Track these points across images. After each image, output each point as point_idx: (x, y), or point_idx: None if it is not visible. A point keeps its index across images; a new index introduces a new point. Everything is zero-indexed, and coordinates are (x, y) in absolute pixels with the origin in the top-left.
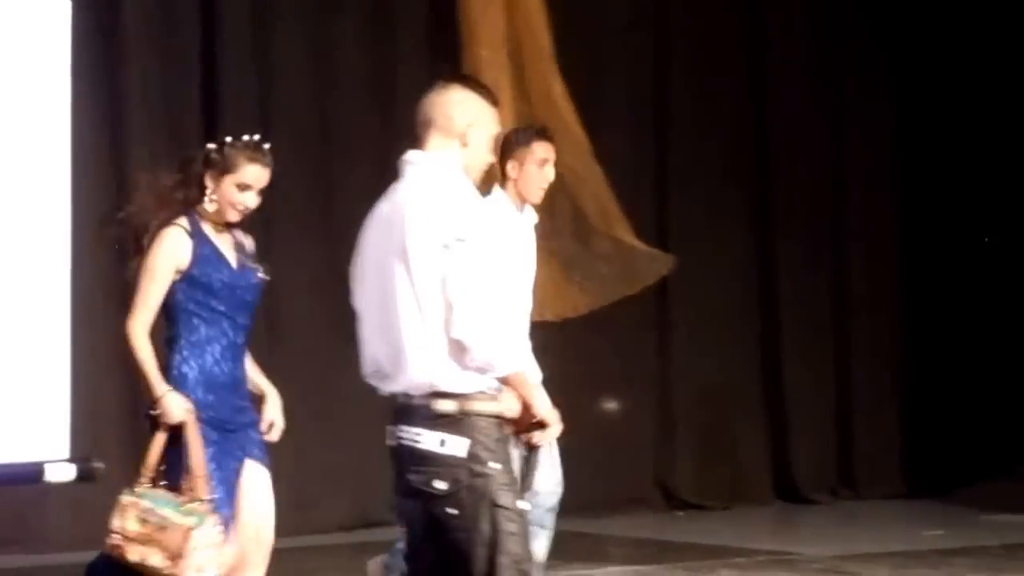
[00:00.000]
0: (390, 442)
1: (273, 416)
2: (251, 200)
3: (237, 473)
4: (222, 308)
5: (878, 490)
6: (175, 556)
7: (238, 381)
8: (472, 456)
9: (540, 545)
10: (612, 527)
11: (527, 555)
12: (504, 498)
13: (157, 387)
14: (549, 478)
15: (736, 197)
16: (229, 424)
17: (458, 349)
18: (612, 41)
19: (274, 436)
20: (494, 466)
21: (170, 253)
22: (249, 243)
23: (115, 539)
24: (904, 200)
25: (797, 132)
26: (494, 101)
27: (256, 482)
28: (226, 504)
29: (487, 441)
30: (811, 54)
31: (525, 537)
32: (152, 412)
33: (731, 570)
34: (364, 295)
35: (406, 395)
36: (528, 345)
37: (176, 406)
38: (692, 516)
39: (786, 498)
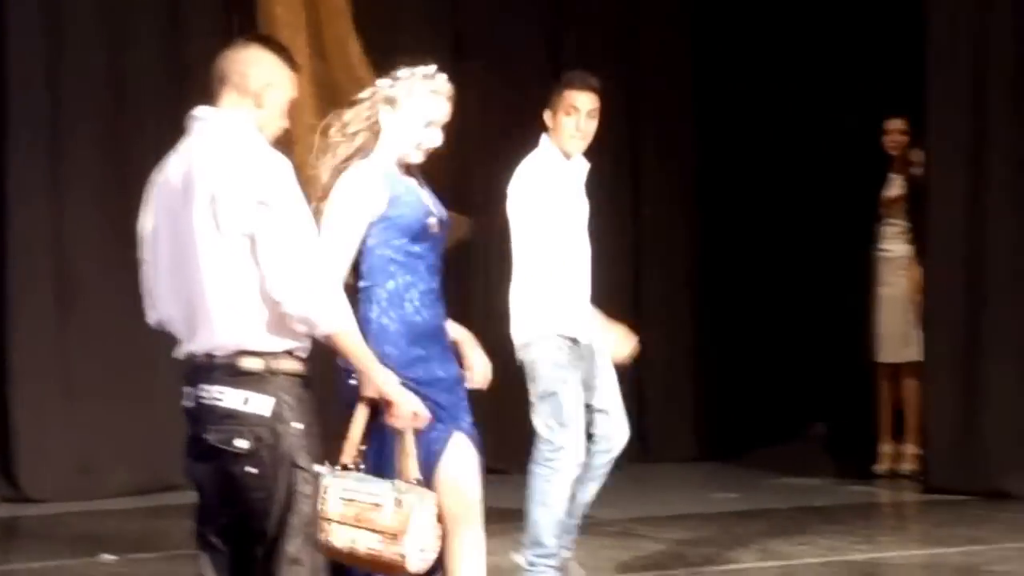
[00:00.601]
0: (187, 403)
1: (477, 361)
2: (435, 138)
3: (441, 450)
4: (418, 251)
5: (670, 453)
6: (394, 535)
7: (440, 329)
8: (276, 415)
9: (595, 488)
10: None
11: (316, 518)
12: (303, 459)
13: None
14: (621, 428)
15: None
16: (436, 385)
17: (278, 308)
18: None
19: (482, 382)
20: (296, 426)
21: (361, 197)
22: (424, 181)
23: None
24: (698, 169)
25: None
26: (294, 65)
27: (462, 453)
28: (426, 478)
29: (291, 400)
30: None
31: (316, 500)
32: (352, 382)
33: (521, 533)
34: (155, 253)
35: (208, 355)
36: (587, 304)
37: (384, 378)
38: (487, 480)
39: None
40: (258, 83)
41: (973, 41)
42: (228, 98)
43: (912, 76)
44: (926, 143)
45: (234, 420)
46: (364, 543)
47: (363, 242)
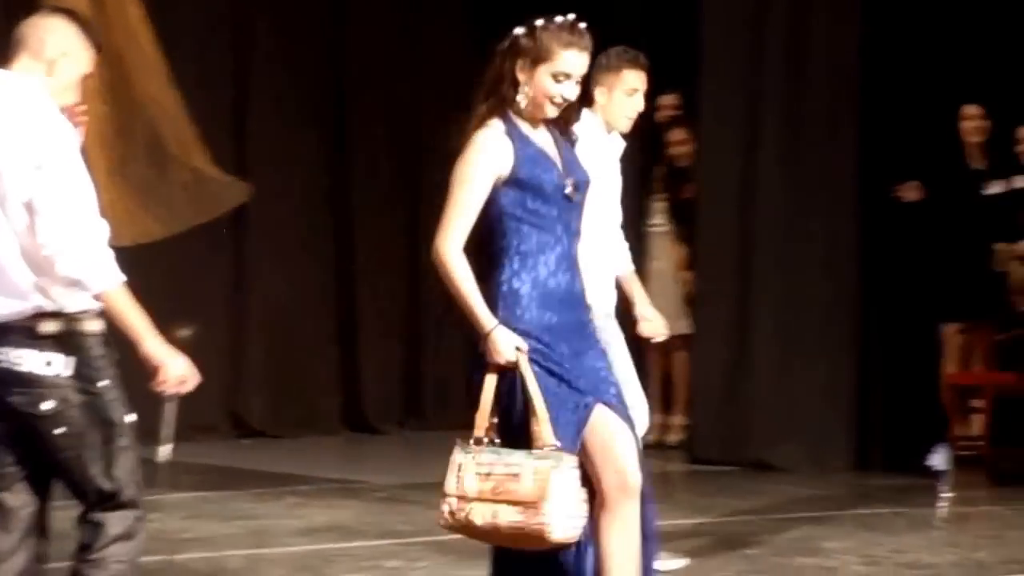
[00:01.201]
0: None
1: (647, 313)
2: (570, 91)
3: (583, 420)
4: (554, 213)
5: (445, 421)
6: (534, 503)
7: (577, 296)
8: (80, 375)
9: None
10: (181, 454)
11: (139, 466)
12: (115, 414)
13: (485, 321)
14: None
15: (314, 125)
16: (571, 356)
17: (49, 266)
18: None
19: (652, 333)
20: (103, 384)
21: (488, 157)
22: (574, 136)
23: (451, 505)
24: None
25: (375, 62)
26: (95, 43)
27: (606, 424)
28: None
29: (94, 359)
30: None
31: (136, 450)
32: (480, 352)
33: (297, 497)
34: None
35: (6, 318)
36: (607, 272)
37: (506, 342)
38: (261, 444)
39: (355, 428)
40: (54, 51)
41: (748, 22)
42: (21, 62)
43: (687, 53)
44: (698, 119)
45: (37, 384)
46: (505, 517)
47: (493, 203)
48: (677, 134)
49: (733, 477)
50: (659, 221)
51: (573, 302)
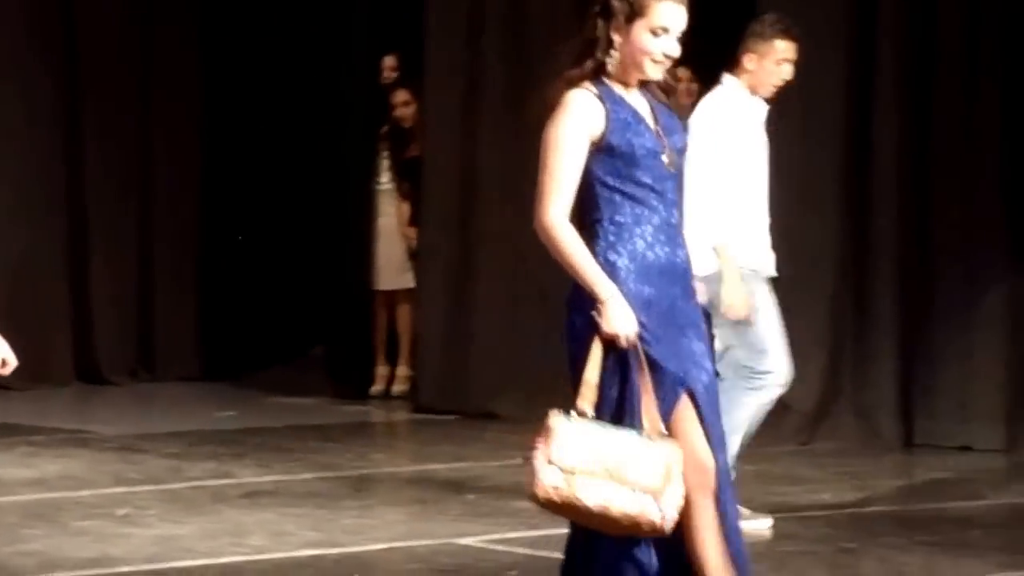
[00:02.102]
0: None
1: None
2: (671, 47)
3: (670, 410)
4: (648, 180)
5: (175, 372)
6: (655, 491)
7: (677, 268)
8: None
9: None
10: None
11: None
12: None
13: (603, 287)
14: (783, 362)
15: (46, 84)
16: (667, 335)
17: None
18: None
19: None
20: None
21: (581, 120)
22: (674, 101)
23: (552, 476)
24: (206, 101)
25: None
26: None
27: (693, 416)
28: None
29: None
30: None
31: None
32: (595, 315)
33: (29, 447)
34: None
35: None
36: (767, 238)
37: (627, 315)
38: None
39: (86, 379)
40: None
41: None
42: None
43: (410, 13)
44: (420, 80)
45: None
46: (620, 503)
47: (585, 171)
48: (401, 95)
49: (456, 425)
50: (385, 179)
51: (674, 275)
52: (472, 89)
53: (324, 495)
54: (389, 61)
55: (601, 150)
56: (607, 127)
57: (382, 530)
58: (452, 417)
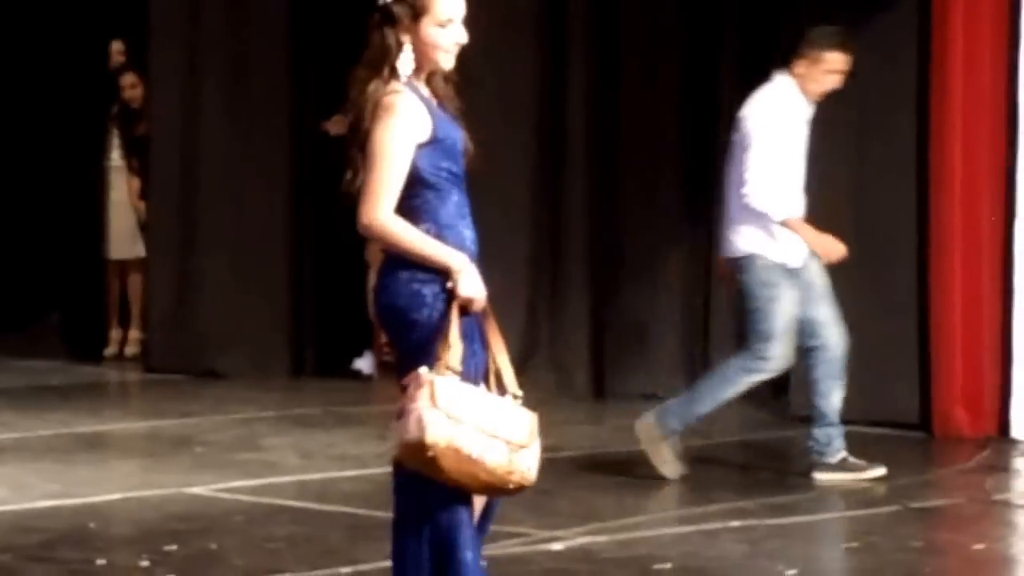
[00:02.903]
0: None
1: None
2: (459, 35)
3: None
4: (458, 171)
5: None
6: (525, 446)
7: (476, 249)
8: None
9: (838, 397)
10: None
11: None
12: None
13: (454, 260)
14: (836, 332)
15: None
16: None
17: None
18: None
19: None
20: None
21: (408, 122)
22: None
23: (441, 430)
24: None
25: None
26: None
27: None
28: None
29: None
30: None
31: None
32: (450, 285)
33: None
34: None
35: None
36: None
37: (478, 282)
38: None
39: None
40: None
41: None
42: None
43: (132, 3)
44: (146, 64)
45: None
46: (494, 456)
47: (413, 169)
48: (128, 78)
49: (184, 384)
50: (115, 156)
51: (475, 256)
52: (192, 72)
53: (62, 450)
54: (117, 46)
55: (429, 146)
56: (433, 124)
57: (117, 481)
58: (180, 376)
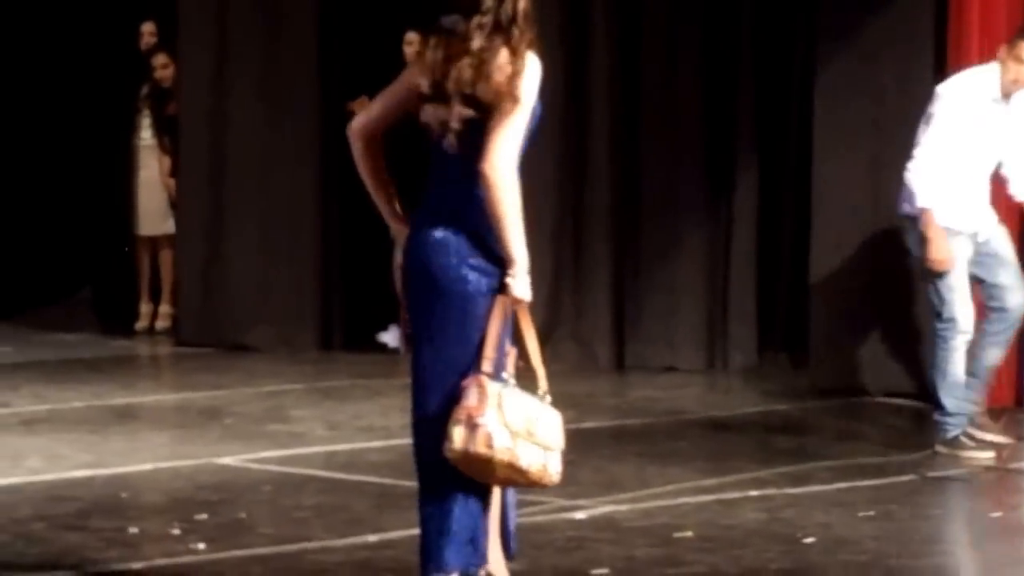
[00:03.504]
0: None
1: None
2: None
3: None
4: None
5: None
6: (553, 449)
7: None
8: None
9: (997, 353)
10: None
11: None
12: None
13: (524, 255)
14: (1018, 295)
15: None
16: None
17: None
18: None
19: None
20: None
21: (538, 79)
22: None
23: (502, 438)
24: None
25: None
26: None
27: None
28: None
29: None
30: None
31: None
32: (508, 280)
33: None
34: None
35: None
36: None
37: (528, 283)
38: None
39: None
40: None
41: None
42: None
43: None
44: (176, 44)
45: None
46: (530, 458)
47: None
48: (160, 59)
49: (214, 357)
50: (147, 135)
51: None
52: (222, 52)
53: (94, 421)
54: (148, 27)
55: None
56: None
57: (148, 452)
58: (210, 350)
